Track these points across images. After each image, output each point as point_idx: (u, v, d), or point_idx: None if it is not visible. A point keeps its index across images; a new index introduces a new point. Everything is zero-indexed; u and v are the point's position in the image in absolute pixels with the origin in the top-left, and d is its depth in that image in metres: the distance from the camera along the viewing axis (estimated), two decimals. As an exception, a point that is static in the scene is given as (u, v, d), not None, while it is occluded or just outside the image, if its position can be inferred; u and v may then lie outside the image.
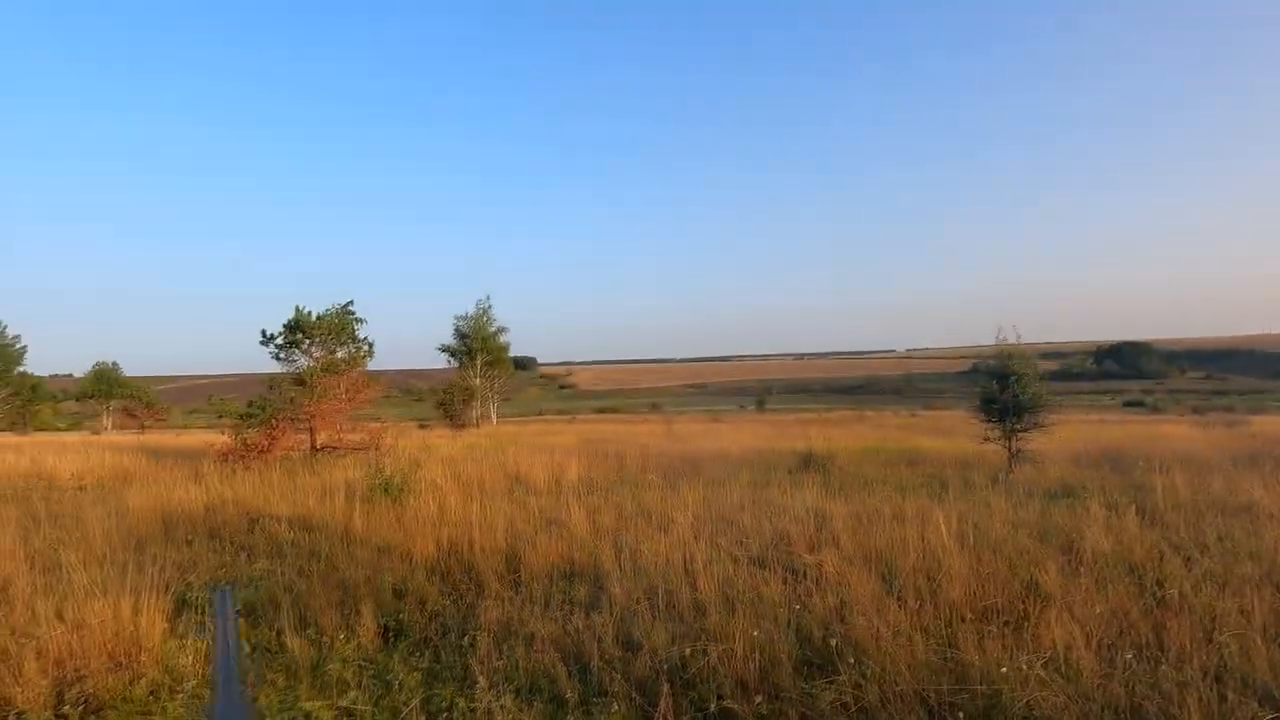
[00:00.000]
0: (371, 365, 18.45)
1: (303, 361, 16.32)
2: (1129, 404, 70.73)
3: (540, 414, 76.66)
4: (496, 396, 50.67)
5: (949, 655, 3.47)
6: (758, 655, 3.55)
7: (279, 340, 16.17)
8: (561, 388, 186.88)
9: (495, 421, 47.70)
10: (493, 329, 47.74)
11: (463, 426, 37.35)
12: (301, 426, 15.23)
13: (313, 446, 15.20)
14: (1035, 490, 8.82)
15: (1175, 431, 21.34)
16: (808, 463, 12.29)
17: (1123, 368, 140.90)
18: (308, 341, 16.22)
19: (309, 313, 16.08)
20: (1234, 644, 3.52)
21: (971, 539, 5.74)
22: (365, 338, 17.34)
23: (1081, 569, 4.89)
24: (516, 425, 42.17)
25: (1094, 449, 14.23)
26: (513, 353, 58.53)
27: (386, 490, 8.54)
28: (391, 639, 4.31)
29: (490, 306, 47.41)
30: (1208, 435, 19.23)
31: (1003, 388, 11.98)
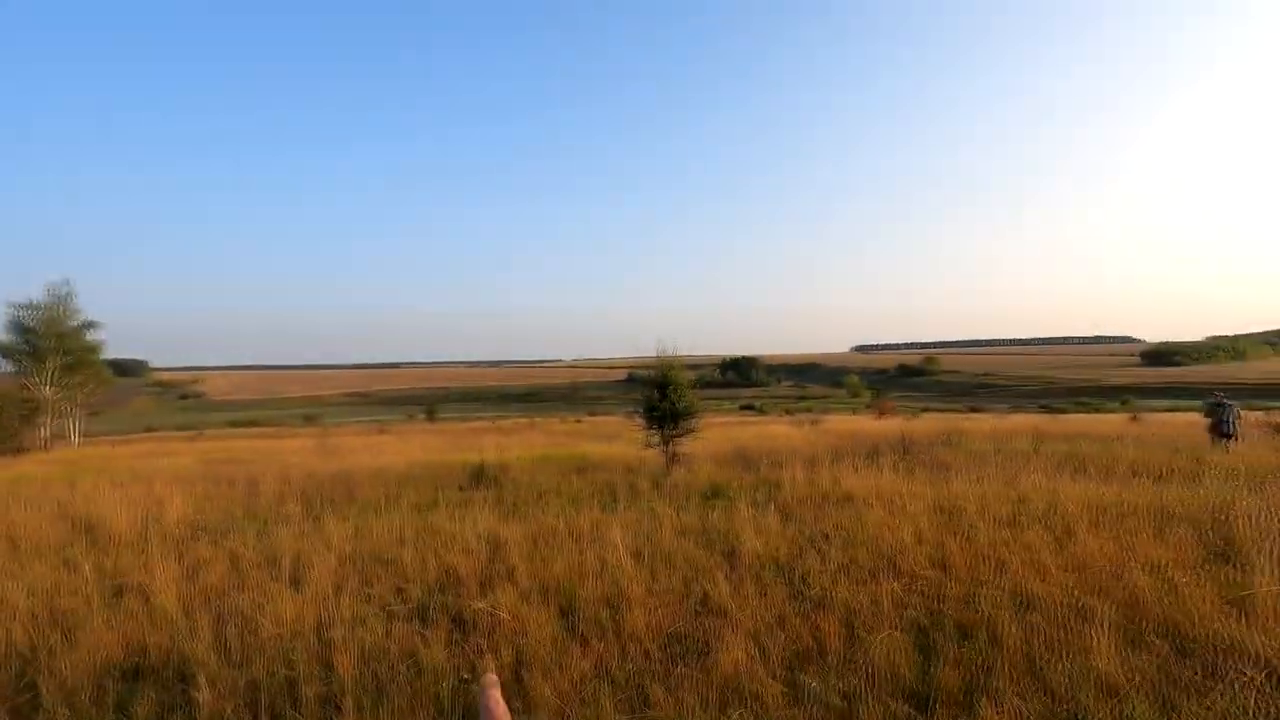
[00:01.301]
0: None
1: None
2: (743, 407, 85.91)
3: (151, 430, 62.21)
4: (80, 410, 39.47)
5: (641, 714, 3.05)
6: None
7: None
8: (184, 397, 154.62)
9: (77, 442, 37.00)
10: (75, 323, 37.05)
11: (22, 451, 27.96)
12: None
13: None
14: (692, 492, 9.44)
15: (779, 431, 25.97)
16: (480, 477, 11.54)
17: (740, 377, 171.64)
18: None
19: None
20: (875, 638, 3.78)
21: (646, 554, 5.64)
22: None
23: (745, 575, 5.04)
24: (112, 446, 33.07)
25: (727, 448, 16.26)
26: (112, 354, 46.90)
27: None
28: None
29: (71, 293, 36.70)
30: (802, 433, 23.77)
31: (662, 396, 12.85)
